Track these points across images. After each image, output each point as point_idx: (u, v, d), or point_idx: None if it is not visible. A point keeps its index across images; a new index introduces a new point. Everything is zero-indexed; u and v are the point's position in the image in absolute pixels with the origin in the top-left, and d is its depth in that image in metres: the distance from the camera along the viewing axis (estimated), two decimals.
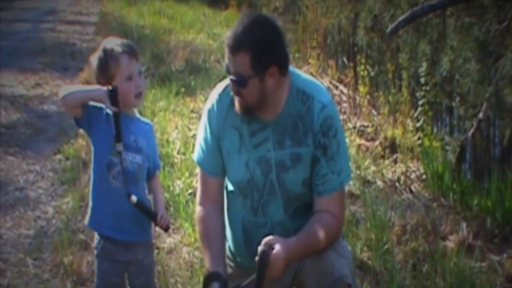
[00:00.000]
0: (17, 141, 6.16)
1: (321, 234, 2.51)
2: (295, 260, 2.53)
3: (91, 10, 15.98)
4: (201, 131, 2.74)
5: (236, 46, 2.48)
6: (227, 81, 2.69)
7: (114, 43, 2.71)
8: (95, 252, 2.81)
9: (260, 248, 2.41)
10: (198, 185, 2.83)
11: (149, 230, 2.81)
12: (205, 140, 2.71)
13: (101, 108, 2.71)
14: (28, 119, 6.89)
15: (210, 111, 2.69)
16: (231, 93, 2.62)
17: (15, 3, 17.67)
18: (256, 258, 2.40)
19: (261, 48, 2.49)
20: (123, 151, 2.69)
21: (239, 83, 2.52)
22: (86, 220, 2.82)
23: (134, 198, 2.68)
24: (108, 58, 2.67)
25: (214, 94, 2.72)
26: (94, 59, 2.73)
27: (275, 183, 2.62)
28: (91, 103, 2.68)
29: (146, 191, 2.82)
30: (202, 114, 2.78)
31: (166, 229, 2.87)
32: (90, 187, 2.80)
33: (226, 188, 2.78)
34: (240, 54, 2.48)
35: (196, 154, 2.77)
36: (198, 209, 2.74)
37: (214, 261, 2.58)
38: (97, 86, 2.67)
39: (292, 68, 2.64)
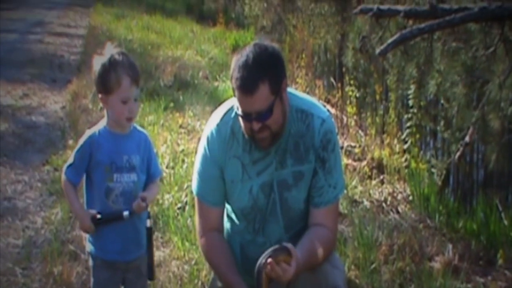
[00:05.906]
0: (5, 151, 6.11)
1: (320, 252, 2.55)
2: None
3: (79, 23, 15.93)
4: (200, 162, 2.71)
5: (254, 84, 2.41)
6: (222, 110, 2.68)
7: (122, 59, 2.64)
8: (92, 263, 2.79)
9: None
10: (196, 217, 2.80)
11: None
12: (206, 171, 2.69)
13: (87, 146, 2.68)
14: (16, 129, 6.85)
15: (209, 142, 2.67)
16: (230, 123, 2.61)
17: (1, 13, 17.56)
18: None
19: (274, 70, 2.47)
20: (118, 174, 2.67)
21: (266, 116, 2.46)
22: (88, 248, 2.78)
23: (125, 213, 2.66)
24: (111, 72, 2.61)
25: (211, 124, 2.68)
26: (97, 63, 2.65)
27: (277, 202, 2.65)
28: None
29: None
30: (199, 146, 2.75)
31: (150, 278, 2.79)
32: None
33: (227, 210, 2.78)
34: (259, 89, 2.42)
35: (195, 185, 2.75)
36: (201, 240, 2.73)
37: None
38: (82, 213, 2.68)
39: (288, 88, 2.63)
